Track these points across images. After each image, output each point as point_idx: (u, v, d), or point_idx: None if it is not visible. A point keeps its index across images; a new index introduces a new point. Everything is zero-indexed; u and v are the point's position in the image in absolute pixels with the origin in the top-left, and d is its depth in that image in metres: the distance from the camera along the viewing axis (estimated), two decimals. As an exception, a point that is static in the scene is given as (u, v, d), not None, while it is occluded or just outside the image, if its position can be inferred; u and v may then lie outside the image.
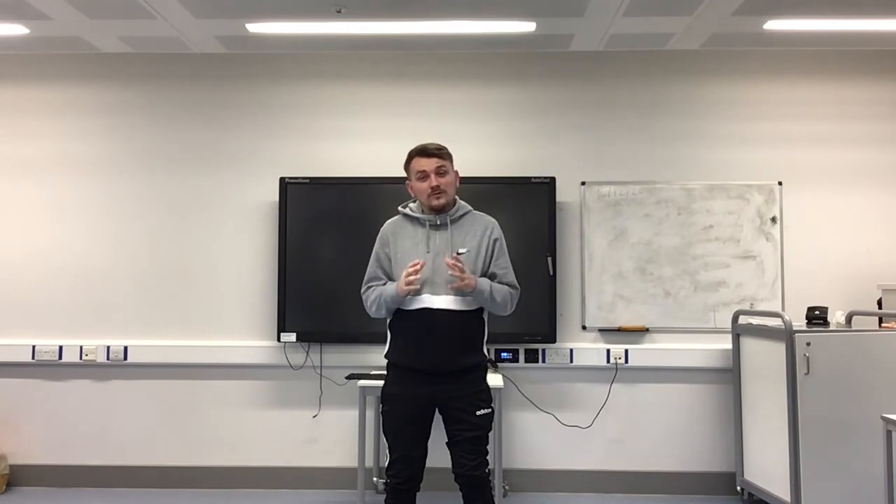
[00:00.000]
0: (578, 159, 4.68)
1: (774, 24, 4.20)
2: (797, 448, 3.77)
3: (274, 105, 4.75)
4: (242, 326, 4.65)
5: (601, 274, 4.61)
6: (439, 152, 3.04)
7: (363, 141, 4.71)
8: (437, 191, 3.01)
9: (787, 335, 3.83)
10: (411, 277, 2.90)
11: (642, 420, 4.59)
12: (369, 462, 4.48)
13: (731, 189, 4.62)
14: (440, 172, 3.02)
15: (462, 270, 2.90)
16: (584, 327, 4.61)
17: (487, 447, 3.00)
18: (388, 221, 3.16)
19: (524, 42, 4.52)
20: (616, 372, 4.60)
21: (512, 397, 4.57)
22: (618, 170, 4.67)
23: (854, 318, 4.25)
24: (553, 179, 4.56)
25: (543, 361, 4.58)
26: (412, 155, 3.07)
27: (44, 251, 4.70)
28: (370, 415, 4.40)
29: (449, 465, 2.98)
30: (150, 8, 4.02)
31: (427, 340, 2.95)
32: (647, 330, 4.59)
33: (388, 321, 3.10)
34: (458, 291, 2.95)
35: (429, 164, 3.02)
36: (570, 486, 4.55)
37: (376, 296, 3.04)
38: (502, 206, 4.30)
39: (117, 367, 4.66)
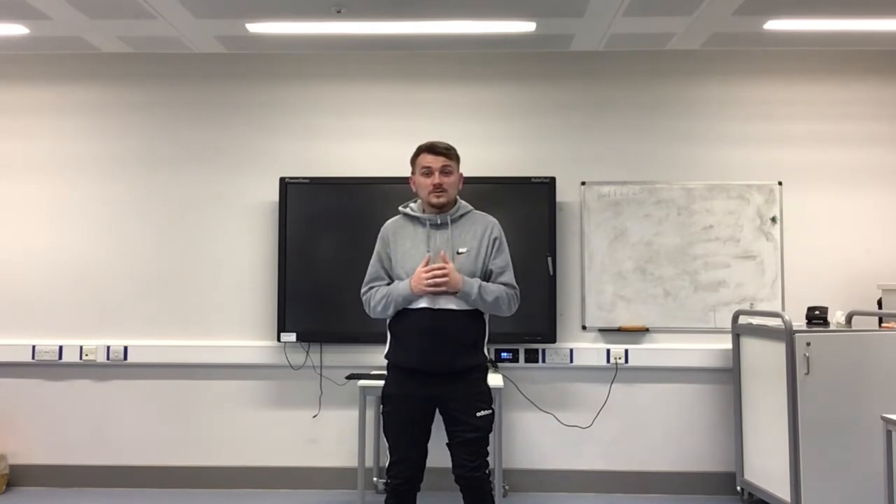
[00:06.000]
0: (578, 159, 4.68)
1: (774, 24, 4.20)
2: (797, 448, 3.77)
3: (274, 105, 4.75)
4: (242, 326, 4.65)
5: (601, 274, 4.61)
6: (447, 152, 3.04)
7: (363, 141, 4.71)
8: (438, 189, 3.01)
9: (787, 335, 3.83)
10: (438, 280, 2.88)
11: (642, 420, 4.59)
12: (369, 462, 4.48)
13: (731, 189, 4.62)
14: (445, 172, 3.02)
15: (444, 275, 2.88)
16: (584, 327, 4.61)
17: (488, 448, 3.00)
18: (389, 221, 3.15)
19: (524, 42, 4.52)
20: (616, 372, 4.60)
21: (512, 397, 4.57)
22: (618, 170, 4.67)
23: (854, 318, 4.25)
24: (553, 179, 4.56)
25: (543, 361, 4.58)
26: (420, 150, 3.07)
27: (44, 251, 4.69)
28: (370, 415, 4.40)
29: (449, 465, 2.98)
30: (150, 8, 4.02)
31: (427, 341, 2.94)
32: (647, 330, 4.59)
33: (387, 321, 3.09)
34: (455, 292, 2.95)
35: (435, 161, 3.02)
36: (570, 486, 4.55)
37: (383, 295, 3.02)
38: (502, 206, 4.30)
39: (117, 367, 4.66)
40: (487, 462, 2.99)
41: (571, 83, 4.72)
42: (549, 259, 4.51)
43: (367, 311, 3.11)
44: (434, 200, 3.02)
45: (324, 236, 4.58)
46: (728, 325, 4.45)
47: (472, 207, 3.14)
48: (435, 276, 2.89)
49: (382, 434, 3.17)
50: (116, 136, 4.75)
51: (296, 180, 4.58)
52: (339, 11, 4.02)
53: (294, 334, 4.52)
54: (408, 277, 2.98)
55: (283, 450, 4.63)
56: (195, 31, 4.36)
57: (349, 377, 4.36)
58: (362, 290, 3.12)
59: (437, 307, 2.95)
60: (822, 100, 4.66)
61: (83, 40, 4.50)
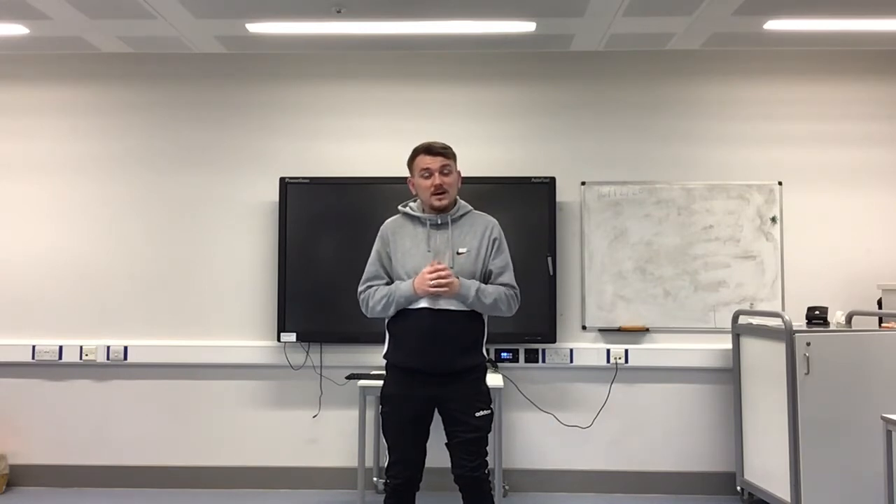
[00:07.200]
0: (578, 159, 4.68)
1: (774, 24, 4.20)
2: (797, 448, 3.77)
3: (274, 105, 4.75)
4: (242, 326, 4.65)
5: (601, 274, 4.61)
6: (444, 151, 3.03)
7: (363, 141, 4.71)
8: (439, 190, 3.00)
9: (787, 335, 3.83)
10: (444, 282, 2.88)
11: (642, 420, 4.59)
12: (369, 462, 4.48)
13: (731, 189, 4.62)
14: (444, 172, 3.01)
15: (444, 278, 2.89)
16: (584, 327, 4.61)
17: (487, 448, 2.99)
18: (388, 220, 3.14)
19: (524, 42, 4.52)
20: (616, 372, 4.60)
21: (512, 397, 4.57)
22: (618, 170, 4.67)
23: (854, 318, 4.25)
24: (553, 179, 4.56)
25: (543, 361, 4.58)
26: (417, 152, 3.05)
27: (44, 251, 4.70)
28: (370, 415, 4.40)
29: (449, 465, 2.98)
30: (150, 8, 4.02)
31: (426, 341, 2.94)
32: (647, 330, 4.59)
33: (386, 321, 3.08)
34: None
35: (433, 162, 3.01)
36: (570, 486, 4.55)
37: (384, 295, 3.00)
38: (502, 206, 4.29)
39: (117, 367, 4.66)
40: (486, 462, 2.98)
41: (571, 83, 4.72)
42: (549, 259, 4.51)
43: (363, 309, 3.09)
44: (436, 203, 3.01)
45: (324, 236, 4.58)
46: (728, 325, 4.45)
47: (471, 207, 3.14)
48: (440, 278, 2.88)
49: (382, 434, 3.17)
50: (116, 136, 4.75)
51: (296, 180, 4.58)
52: (339, 11, 4.02)
53: (294, 334, 4.52)
54: (408, 277, 2.98)
55: (283, 450, 4.63)
56: (195, 31, 4.36)
57: (349, 377, 4.36)
58: (360, 289, 3.10)
59: (436, 307, 2.94)
60: (822, 100, 4.66)
61: (83, 40, 4.50)
